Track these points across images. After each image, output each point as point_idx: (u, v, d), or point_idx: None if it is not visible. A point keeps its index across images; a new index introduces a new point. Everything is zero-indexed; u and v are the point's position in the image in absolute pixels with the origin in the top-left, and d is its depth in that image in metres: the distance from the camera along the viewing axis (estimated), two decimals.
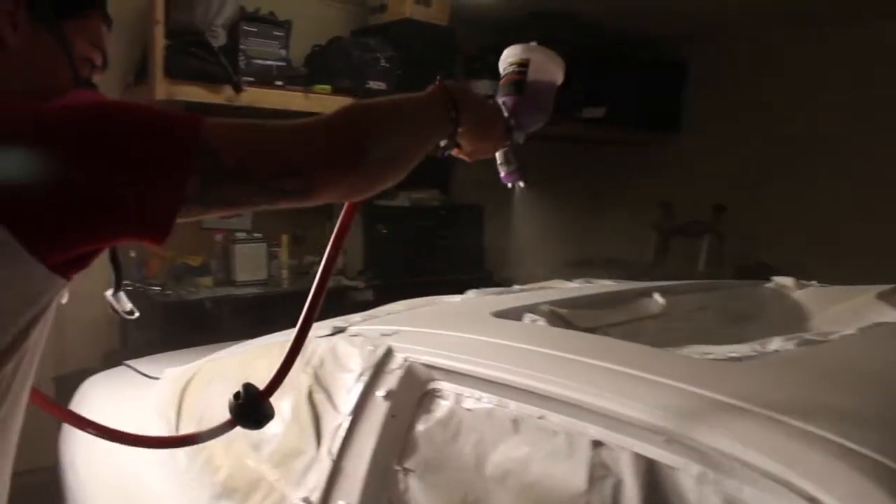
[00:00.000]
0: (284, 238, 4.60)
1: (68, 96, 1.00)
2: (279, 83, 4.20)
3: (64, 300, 0.95)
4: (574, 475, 1.23)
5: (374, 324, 1.74)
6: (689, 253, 5.82)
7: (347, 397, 1.58)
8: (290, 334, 1.94)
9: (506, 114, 1.37)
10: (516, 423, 1.33)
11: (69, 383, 3.14)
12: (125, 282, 1.16)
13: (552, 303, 1.75)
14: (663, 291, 1.98)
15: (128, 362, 2.98)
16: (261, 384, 1.83)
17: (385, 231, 4.99)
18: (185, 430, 2.05)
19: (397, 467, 1.46)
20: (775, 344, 1.47)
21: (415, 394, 1.49)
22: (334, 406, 1.60)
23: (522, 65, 1.40)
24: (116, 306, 1.20)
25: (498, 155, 1.42)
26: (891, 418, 1.08)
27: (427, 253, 5.02)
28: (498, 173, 1.44)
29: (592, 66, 5.50)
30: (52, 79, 1.00)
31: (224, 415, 1.34)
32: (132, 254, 4.01)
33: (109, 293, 1.19)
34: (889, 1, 4.65)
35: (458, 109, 1.16)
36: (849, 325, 1.67)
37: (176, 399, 2.18)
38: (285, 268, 4.58)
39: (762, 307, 2.18)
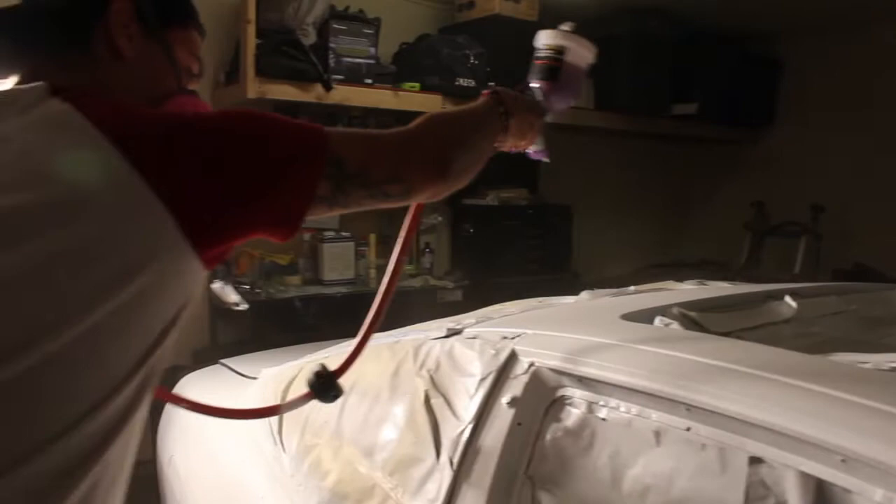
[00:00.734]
0: (372, 237, 4.58)
1: (173, 103, 1.11)
2: (368, 81, 4.17)
3: None
4: (727, 494, 1.13)
5: (491, 326, 1.66)
6: (782, 254, 5.61)
7: (468, 403, 1.50)
8: (398, 335, 1.90)
9: (539, 97, 1.48)
10: (658, 435, 1.24)
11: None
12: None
13: (681, 305, 1.65)
14: (793, 294, 1.86)
15: (223, 361, 2.97)
16: (370, 386, 1.79)
17: (472, 231, 4.92)
18: (289, 435, 2.01)
19: (525, 479, 1.38)
20: None
21: (542, 401, 1.41)
22: (454, 412, 1.53)
23: (559, 51, 1.50)
24: (223, 297, 1.36)
25: None
26: None
27: (514, 252, 4.93)
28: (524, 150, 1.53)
29: (683, 62, 5.35)
30: (159, 87, 1.11)
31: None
32: None
33: (217, 285, 1.33)
34: None
35: (508, 115, 1.34)
36: None
37: (277, 400, 2.14)
38: (373, 267, 4.55)
39: None
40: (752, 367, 1.19)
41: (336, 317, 4.14)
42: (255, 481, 2.04)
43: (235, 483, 2.08)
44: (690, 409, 1.19)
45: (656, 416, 1.24)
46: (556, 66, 1.49)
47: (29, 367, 0.77)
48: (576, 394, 1.37)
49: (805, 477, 1.05)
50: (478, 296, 4.10)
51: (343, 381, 1.81)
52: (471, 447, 1.45)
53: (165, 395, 1.52)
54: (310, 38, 4.04)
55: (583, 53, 1.53)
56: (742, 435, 1.12)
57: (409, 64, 4.48)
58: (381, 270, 4.59)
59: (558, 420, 1.38)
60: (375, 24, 4.27)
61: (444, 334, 1.70)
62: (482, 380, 1.50)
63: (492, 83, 1.38)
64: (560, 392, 1.40)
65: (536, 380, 1.42)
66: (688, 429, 1.20)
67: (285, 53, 3.93)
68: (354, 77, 4.14)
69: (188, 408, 1.55)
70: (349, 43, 4.15)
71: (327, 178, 0.99)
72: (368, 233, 4.55)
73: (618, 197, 5.79)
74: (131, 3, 1.06)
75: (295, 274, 4.32)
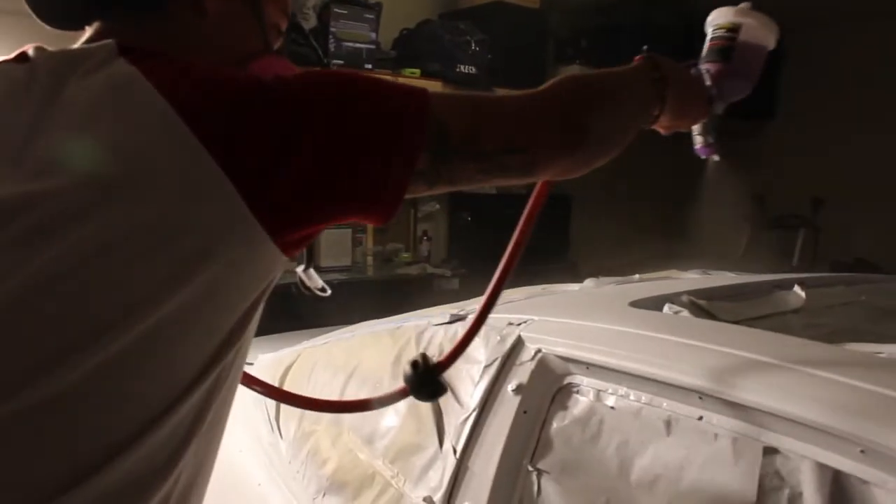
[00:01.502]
0: (369, 226, 4.54)
1: (259, 65, 0.98)
2: (368, 66, 4.13)
3: None
4: (740, 484, 1.10)
5: (496, 312, 1.63)
6: (780, 247, 5.59)
7: (473, 390, 1.47)
8: (399, 321, 1.87)
9: (708, 82, 1.30)
10: (669, 424, 1.20)
11: None
12: None
13: (690, 293, 1.61)
14: (801, 284, 1.83)
15: None
16: (370, 373, 1.76)
17: (470, 219, 4.89)
18: (286, 421, 1.98)
19: (530, 468, 1.35)
20: None
21: (549, 388, 1.38)
22: (458, 399, 1.50)
23: (732, 29, 1.32)
24: (308, 283, 1.31)
25: (695, 126, 1.36)
26: None
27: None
28: (692, 144, 1.39)
29: (686, 52, 5.31)
30: (244, 45, 0.99)
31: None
32: None
33: (301, 269, 1.30)
34: None
35: (665, 84, 1.13)
36: None
37: (276, 385, 2.10)
38: (370, 254, 4.52)
39: None
40: (766, 356, 1.16)
41: (332, 304, 4.11)
42: (252, 468, 2.01)
43: (232, 469, 2.05)
44: (703, 398, 1.15)
45: (667, 405, 1.21)
46: (726, 47, 1.31)
47: (85, 372, 0.70)
48: (584, 381, 1.34)
49: (822, 468, 1.02)
50: (475, 285, 4.07)
51: (359, 367, 1.78)
52: (475, 435, 1.42)
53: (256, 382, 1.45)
54: (310, 22, 4.00)
55: (759, 32, 1.32)
56: (757, 425, 1.09)
57: (410, 50, 4.45)
58: (378, 258, 4.56)
59: (565, 408, 1.35)
60: (377, 8, 4.24)
61: (447, 320, 1.67)
62: (487, 366, 1.47)
63: (646, 48, 1.15)
64: (567, 379, 1.36)
65: (543, 367, 1.39)
66: (700, 418, 1.17)
67: (285, 37, 3.88)
68: (354, 62, 4.10)
69: (268, 394, 1.46)
70: (349, 27, 4.12)
71: (429, 150, 0.85)
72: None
73: (617, 188, 5.75)
74: None
75: (291, 260, 4.27)
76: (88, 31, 0.94)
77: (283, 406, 2.04)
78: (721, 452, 1.13)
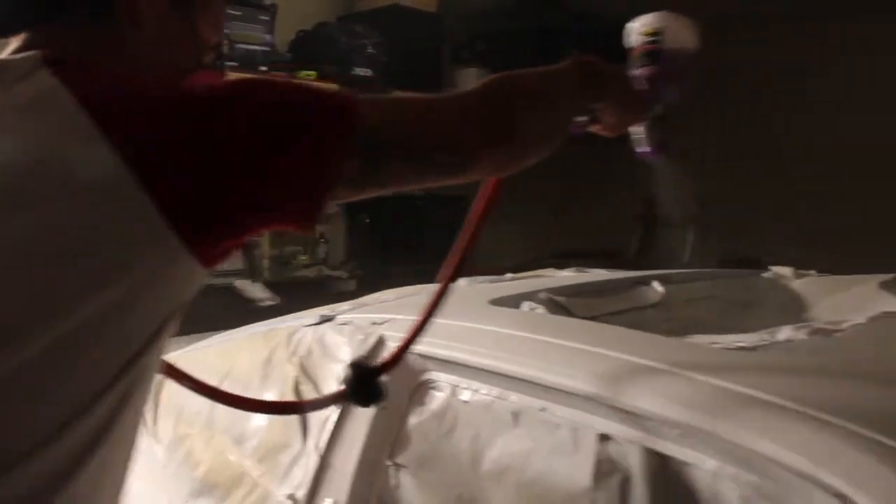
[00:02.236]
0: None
1: (195, 77, 0.97)
2: (263, 69, 4.10)
3: None
4: (578, 471, 1.16)
5: (364, 312, 1.66)
6: (673, 245, 5.78)
7: (335, 389, 1.50)
8: (273, 324, 1.88)
9: (643, 86, 1.33)
10: (517, 416, 1.26)
11: None
12: None
13: (550, 290, 1.68)
14: (661, 280, 1.91)
15: None
16: (242, 375, 1.76)
17: (368, 220, 4.91)
18: (163, 425, 1.96)
19: (388, 463, 1.39)
20: (785, 333, 1.40)
21: (407, 385, 1.41)
22: None
23: (655, 34, 1.36)
24: (249, 295, 1.17)
25: (635, 129, 1.38)
26: None
27: (410, 243, 4.94)
28: (635, 147, 1.42)
29: (579, 54, 5.43)
30: (178, 59, 0.97)
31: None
32: None
33: (239, 283, 1.16)
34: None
35: (599, 82, 1.15)
36: (854, 315, 1.61)
37: (153, 391, 2.09)
38: (266, 257, 4.48)
39: (761, 297, 2.12)
40: (603, 348, 1.23)
41: (229, 307, 4.07)
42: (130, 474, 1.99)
43: None
44: (546, 390, 1.21)
45: (514, 398, 1.26)
46: (654, 50, 1.35)
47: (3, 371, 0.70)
48: (440, 377, 1.38)
49: (648, 451, 1.09)
50: (373, 286, 4.08)
51: (233, 369, 1.77)
52: (337, 432, 1.45)
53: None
54: None
55: (682, 34, 1.39)
56: (592, 413, 1.15)
57: (307, 52, 4.43)
58: (275, 261, 4.53)
59: (423, 404, 1.39)
60: (271, 10, 4.21)
61: (316, 321, 1.69)
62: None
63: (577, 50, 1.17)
64: (425, 376, 1.41)
65: (402, 364, 1.42)
66: (543, 409, 1.22)
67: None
68: (249, 64, 4.06)
69: (198, 390, 1.41)
70: (243, 29, 4.07)
71: (357, 154, 0.85)
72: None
73: (514, 189, 5.84)
74: None
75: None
76: (14, 42, 0.90)
77: (159, 412, 2.02)
78: (562, 441, 1.19)
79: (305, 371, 1.60)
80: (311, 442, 1.49)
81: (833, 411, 0.98)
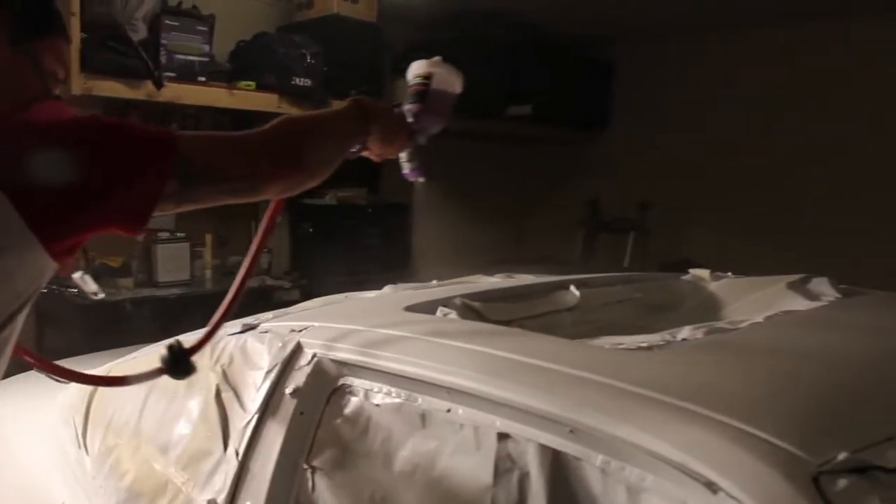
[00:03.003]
0: (208, 238, 4.51)
1: (39, 108, 1.15)
2: (202, 79, 4.11)
3: None
4: (481, 469, 1.21)
5: (287, 320, 1.70)
6: (615, 250, 5.89)
7: (255, 395, 1.53)
8: (200, 333, 1.90)
9: (410, 119, 1.57)
10: (424, 418, 1.31)
11: None
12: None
13: (465, 296, 1.73)
14: (579, 284, 1.98)
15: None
16: (170, 386, 1.78)
17: (311, 230, 4.93)
18: (92, 437, 1.98)
19: (305, 466, 1.43)
20: (685, 333, 1.48)
21: (324, 390, 1.46)
22: (242, 405, 1.56)
23: (426, 77, 1.60)
24: (83, 287, 1.51)
25: (402, 154, 1.61)
26: (788, 402, 1.09)
27: (354, 252, 4.97)
28: (401, 169, 1.64)
29: (519, 65, 5.52)
30: (24, 91, 1.16)
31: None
32: None
33: (78, 274, 1.50)
34: (805, 4, 4.79)
35: (368, 121, 1.41)
36: (757, 314, 1.69)
37: (84, 403, 2.10)
38: (209, 268, 4.49)
39: (679, 299, 2.20)
40: (504, 351, 1.28)
41: (170, 319, 4.06)
42: (56, 485, 2.00)
43: (36, 487, 2.03)
44: (450, 392, 1.26)
45: (422, 400, 1.31)
46: (422, 91, 1.59)
47: None
48: (355, 382, 1.43)
49: (543, 449, 1.14)
50: (316, 295, 4.11)
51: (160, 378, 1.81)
52: (255, 438, 1.49)
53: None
54: (139, 34, 3.93)
55: (448, 79, 1.62)
56: (492, 413, 1.21)
57: (246, 62, 4.44)
58: (217, 271, 4.53)
59: (338, 408, 1.44)
60: (210, 20, 4.21)
61: (240, 330, 1.72)
62: (268, 372, 1.53)
63: (354, 91, 1.47)
64: (341, 381, 1.45)
65: (319, 370, 1.47)
66: (448, 410, 1.27)
67: (112, 49, 3.81)
68: (187, 74, 4.06)
69: (40, 367, 1.53)
70: (182, 39, 4.07)
71: (175, 177, 1.07)
72: (205, 233, 4.48)
73: (459, 196, 5.92)
74: (2, 13, 1.12)
75: (127, 276, 4.19)
76: None
77: (90, 423, 2.04)
78: (465, 440, 1.24)
79: (227, 379, 1.63)
80: (231, 448, 1.52)
81: (708, 405, 1.05)
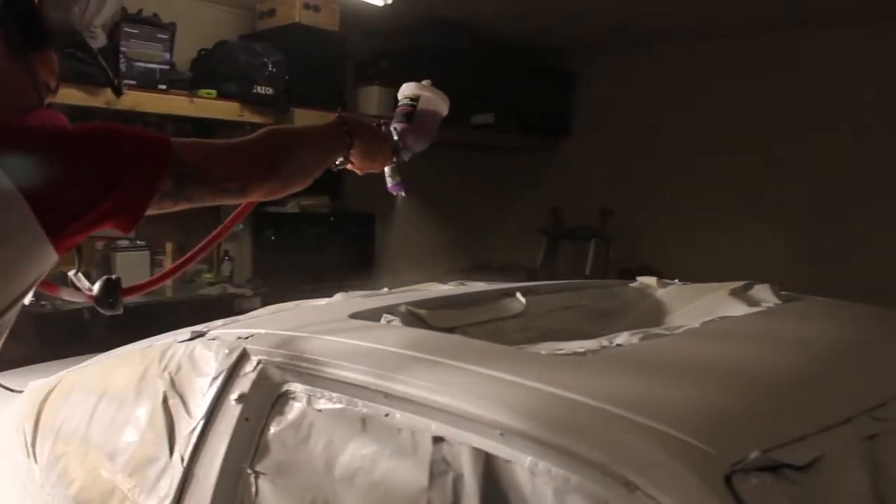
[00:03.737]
0: (169, 246, 4.50)
1: (34, 116, 1.23)
2: (162, 87, 4.10)
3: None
4: (417, 472, 1.24)
5: (235, 327, 1.72)
6: (577, 257, 5.95)
7: (202, 402, 1.55)
8: (152, 341, 1.92)
9: (395, 137, 1.68)
10: (364, 423, 1.33)
11: None
12: None
13: (411, 304, 1.76)
14: (526, 291, 2.02)
15: None
16: (118, 392, 1.80)
17: (273, 238, 4.93)
18: (41, 445, 1.98)
19: (249, 471, 1.45)
20: (621, 339, 1.52)
21: (268, 396, 1.48)
22: (188, 411, 1.57)
23: (413, 99, 1.72)
24: (78, 284, 1.52)
25: (386, 169, 1.72)
26: (707, 403, 1.13)
27: (317, 260, 4.98)
28: (385, 184, 1.75)
29: (481, 73, 5.56)
30: (19, 100, 1.24)
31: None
32: None
33: (72, 273, 1.52)
34: (758, 17, 4.89)
35: (351, 136, 1.53)
36: (697, 320, 1.74)
37: (34, 411, 2.10)
38: None
39: (626, 306, 2.25)
40: (441, 357, 1.31)
41: (129, 327, 4.04)
42: (4, 494, 2.00)
43: None
44: (388, 397, 1.29)
45: (362, 405, 1.34)
46: (409, 112, 1.71)
47: None
48: (298, 388, 1.45)
49: (476, 451, 1.17)
50: (277, 302, 4.12)
51: (110, 386, 1.83)
52: (201, 444, 1.51)
53: None
54: (98, 41, 3.92)
55: (434, 102, 1.74)
56: (427, 417, 1.24)
57: (207, 70, 4.44)
58: (177, 279, 4.52)
59: (282, 413, 1.46)
60: (170, 28, 4.21)
61: (188, 337, 1.74)
62: (215, 378, 1.55)
63: (339, 109, 1.62)
64: (285, 387, 1.47)
65: (263, 376, 1.50)
66: (386, 415, 1.30)
67: (70, 56, 3.80)
68: (147, 82, 4.06)
69: None
70: (142, 47, 4.07)
71: (171, 177, 1.19)
72: (165, 241, 4.47)
73: (422, 205, 5.95)
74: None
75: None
76: None
77: (39, 431, 2.04)
78: (403, 444, 1.27)
79: (174, 386, 1.65)
80: (177, 454, 1.54)
81: (630, 407, 1.09)
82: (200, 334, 1.74)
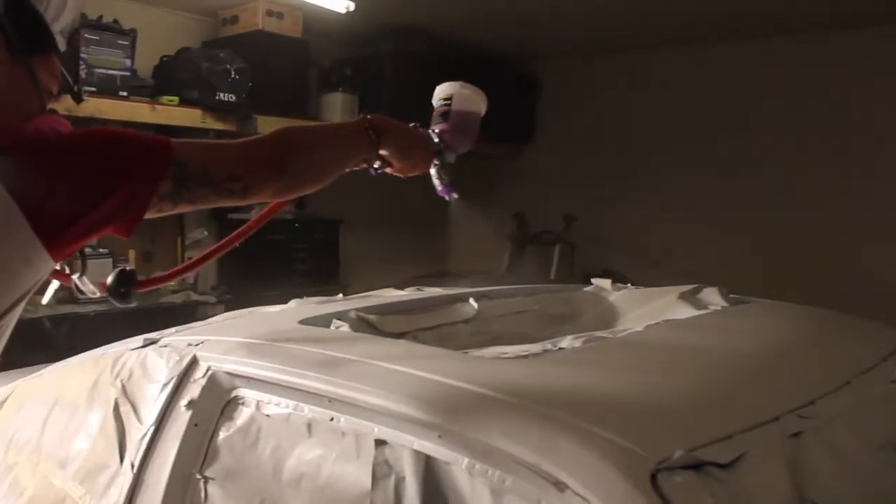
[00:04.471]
0: (132, 253, 4.48)
1: (37, 120, 1.24)
2: (123, 94, 4.09)
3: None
4: (361, 474, 1.26)
5: (188, 334, 1.73)
6: (542, 262, 6.00)
7: (152, 408, 1.57)
8: (105, 349, 1.92)
9: (436, 139, 1.65)
10: (310, 427, 1.36)
11: None
12: None
13: (362, 309, 1.79)
14: (480, 296, 2.05)
15: None
16: (71, 399, 1.80)
17: (238, 244, 4.91)
18: None
19: (198, 476, 1.46)
20: (565, 342, 1.55)
21: (218, 402, 1.50)
22: (139, 418, 1.59)
23: (448, 99, 1.69)
24: (83, 288, 1.50)
25: (432, 171, 1.67)
26: (636, 404, 1.17)
27: (281, 266, 4.98)
28: (434, 188, 1.71)
29: (445, 80, 5.58)
30: (25, 105, 1.24)
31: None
32: None
33: (76, 276, 1.49)
34: (720, 26, 4.98)
35: (378, 134, 1.46)
36: (643, 323, 1.78)
37: None
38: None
39: (579, 309, 2.28)
40: (385, 362, 1.34)
41: (90, 336, 4.02)
42: None
43: None
44: (332, 401, 1.32)
45: (308, 410, 1.36)
46: (446, 111, 1.67)
47: None
48: (247, 394, 1.47)
49: (416, 454, 1.20)
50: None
51: (63, 394, 1.83)
52: (151, 450, 1.52)
53: None
54: (58, 47, 3.91)
55: (471, 99, 1.71)
56: (370, 421, 1.26)
57: (169, 77, 4.43)
58: None
59: (231, 419, 1.48)
60: (131, 34, 4.19)
61: (140, 345, 1.75)
62: (165, 385, 1.57)
63: (365, 110, 1.52)
64: (234, 393, 1.49)
65: (213, 382, 1.51)
66: (332, 419, 1.33)
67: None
68: (108, 89, 4.04)
69: None
70: (102, 53, 4.06)
71: (171, 179, 1.16)
72: (128, 249, 4.45)
73: (386, 211, 5.96)
74: (1, 33, 1.20)
75: (45, 292, 4.14)
76: None
77: None
78: (347, 448, 1.30)
79: (126, 393, 1.66)
80: (127, 461, 1.55)
81: (562, 408, 1.12)
82: (153, 341, 1.75)
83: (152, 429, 1.53)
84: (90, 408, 1.74)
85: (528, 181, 6.40)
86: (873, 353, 1.57)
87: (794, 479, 1.07)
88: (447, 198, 1.73)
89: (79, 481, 1.65)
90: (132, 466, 1.53)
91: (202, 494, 1.45)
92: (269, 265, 4.91)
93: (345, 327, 1.66)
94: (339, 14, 4.62)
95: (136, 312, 4.30)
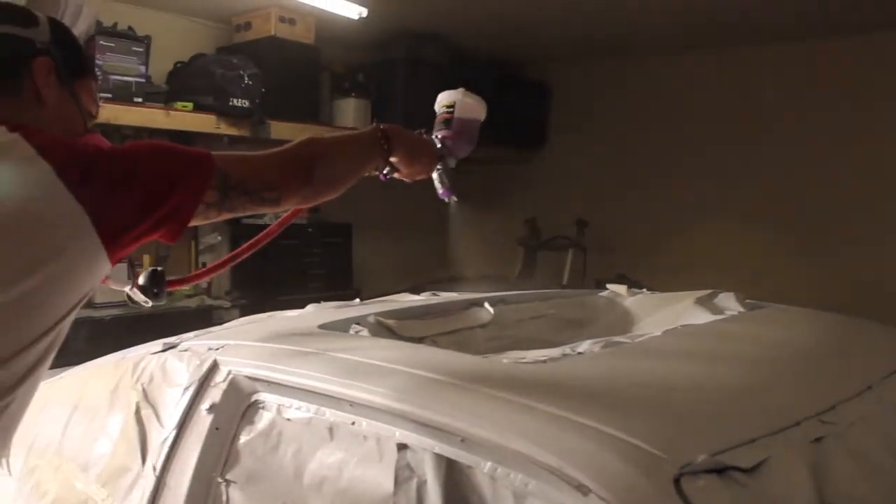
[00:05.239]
0: (146, 258, 4.50)
1: (83, 140, 1.30)
2: (138, 100, 4.12)
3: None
4: (382, 478, 1.27)
5: (207, 339, 1.75)
6: (554, 267, 5.99)
7: (173, 412, 1.58)
8: (125, 353, 1.94)
9: (438, 145, 1.74)
10: (332, 431, 1.37)
11: None
12: None
13: (380, 314, 1.80)
14: (496, 301, 2.06)
15: None
16: (92, 403, 1.82)
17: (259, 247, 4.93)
18: (15, 458, 1.99)
19: (219, 479, 1.47)
20: (583, 347, 1.56)
21: (238, 406, 1.51)
22: (160, 421, 1.60)
23: (450, 106, 1.79)
24: (137, 298, 1.59)
25: (434, 176, 1.76)
26: (659, 408, 1.18)
27: (295, 271, 4.99)
28: (436, 191, 1.79)
29: (456, 86, 5.60)
30: (70, 126, 1.34)
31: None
32: None
33: (128, 288, 1.59)
34: (735, 30, 4.97)
35: (390, 144, 1.57)
36: (660, 328, 1.79)
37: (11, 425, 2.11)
38: None
39: (595, 314, 2.29)
40: (405, 366, 1.35)
41: (107, 340, 4.04)
42: None
43: None
44: (354, 405, 1.32)
45: (329, 414, 1.37)
46: (448, 118, 1.77)
47: None
48: (268, 398, 1.48)
49: (438, 457, 1.21)
50: (255, 314, 4.14)
51: (83, 397, 1.85)
52: (173, 453, 1.53)
53: None
54: None
55: (472, 107, 1.80)
56: (392, 425, 1.27)
57: (183, 83, 4.45)
58: None
59: (252, 423, 1.49)
60: (146, 41, 4.23)
61: (160, 349, 1.77)
62: (186, 389, 1.58)
63: (376, 120, 1.64)
64: (255, 397, 1.50)
65: (234, 387, 1.52)
66: (353, 423, 1.33)
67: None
68: (123, 95, 4.07)
69: None
70: (117, 60, 4.09)
71: (215, 189, 1.28)
72: (142, 254, 4.47)
73: (399, 216, 5.98)
74: (50, 59, 1.30)
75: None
76: None
77: (11, 445, 2.05)
78: (369, 452, 1.31)
79: (147, 397, 1.67)
80: (149, 464, 1.56)
81: (584, 412, 1.13)
82: (172, 346, 1.76)
83: (174, 432, 1.55)
84: (111, 411, 1.76)
85: (541, 186, 6.40)
86: (894, 358, 1.57)
87: (816, 483, 1.07)
88: (447, 200, 1.80)
89: (101, 484, 1.66)
90: (154, 469, 1.54)
91: (224, 497, 1.46)
92: (282, 270, 4.92)
93: (364, 332, 1.67)
94: (351, 20, 4.63)
95: (150, 317, 4.32)
